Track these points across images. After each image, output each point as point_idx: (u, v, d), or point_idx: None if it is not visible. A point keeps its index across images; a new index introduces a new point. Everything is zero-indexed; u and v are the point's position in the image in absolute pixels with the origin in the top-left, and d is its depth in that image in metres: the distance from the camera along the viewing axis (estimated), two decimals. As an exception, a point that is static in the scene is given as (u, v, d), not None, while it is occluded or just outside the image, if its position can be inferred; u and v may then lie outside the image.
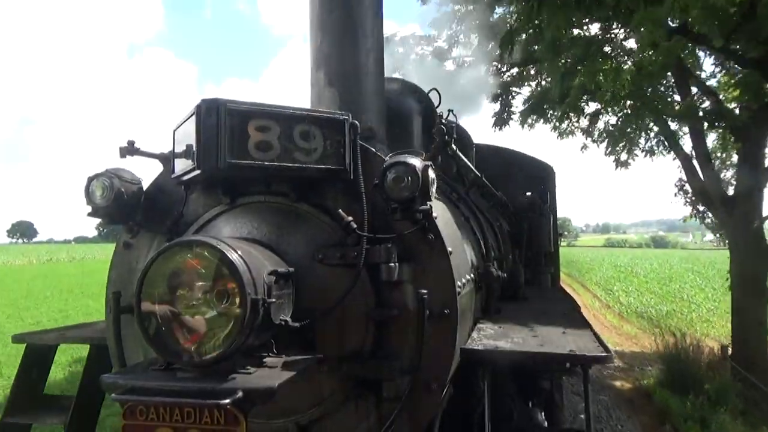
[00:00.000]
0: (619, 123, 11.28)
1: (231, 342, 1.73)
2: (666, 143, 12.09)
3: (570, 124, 12.71)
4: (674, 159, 12.34)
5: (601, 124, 12.65)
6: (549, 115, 12.02)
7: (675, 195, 13.75)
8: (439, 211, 2.30)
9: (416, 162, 2.02)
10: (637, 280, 32.64)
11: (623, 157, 11.98)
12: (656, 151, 12.61)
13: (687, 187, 12.74)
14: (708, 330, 17.92)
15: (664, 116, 10.38)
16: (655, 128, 11.76)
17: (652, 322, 19.39)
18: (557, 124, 12.59)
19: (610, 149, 12.00)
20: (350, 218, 2.15)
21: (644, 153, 12.51)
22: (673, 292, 27.27)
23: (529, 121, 12.50)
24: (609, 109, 11.44)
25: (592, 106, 12.05)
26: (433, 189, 2.06)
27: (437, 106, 3.96)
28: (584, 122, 12.74)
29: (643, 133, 11.96)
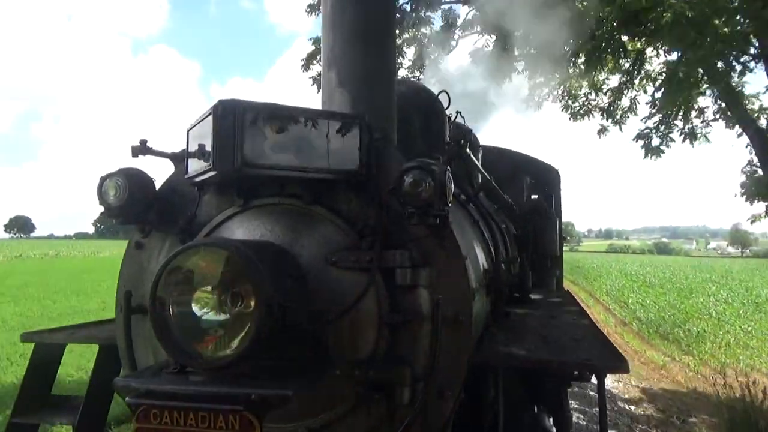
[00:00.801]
0: (682, 63, 8.05)
1: (245, 345, 1.72)
2: (729, 112, 9.51)
3: (587, 103, 10.78)
4: (739, 135, 9.57)
5: (626, 101, 10.46)
6: (567, 56, 9.64)
7: (741, 186, 9.95)
8: (452, 214, 2.28)
9: (434, 166, 2.00)
10: (653, 291, 29.40)
11: (655, 141, 9.71)
12: (699, 135, 10.01)
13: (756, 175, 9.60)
14: (753, 360, 14.58)
15: (745, 54, 8.00)
16: (712, 91, 9.27)
17: (681, 346, 16.34)
18: (570, 102, 10.78)
19: (661, 106, 9.33)
20: (365, 221, 2.14)
21: (683, 137, 10.00)
22: (697, 307, 23.71)
23: (536, 98, 10.87)
24: (660, 45, 8.96)
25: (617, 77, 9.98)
26: (450, 194, 2.04)
27: (446, 108, 3.94)
28: (604, 99, 10.86)
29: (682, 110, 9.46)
